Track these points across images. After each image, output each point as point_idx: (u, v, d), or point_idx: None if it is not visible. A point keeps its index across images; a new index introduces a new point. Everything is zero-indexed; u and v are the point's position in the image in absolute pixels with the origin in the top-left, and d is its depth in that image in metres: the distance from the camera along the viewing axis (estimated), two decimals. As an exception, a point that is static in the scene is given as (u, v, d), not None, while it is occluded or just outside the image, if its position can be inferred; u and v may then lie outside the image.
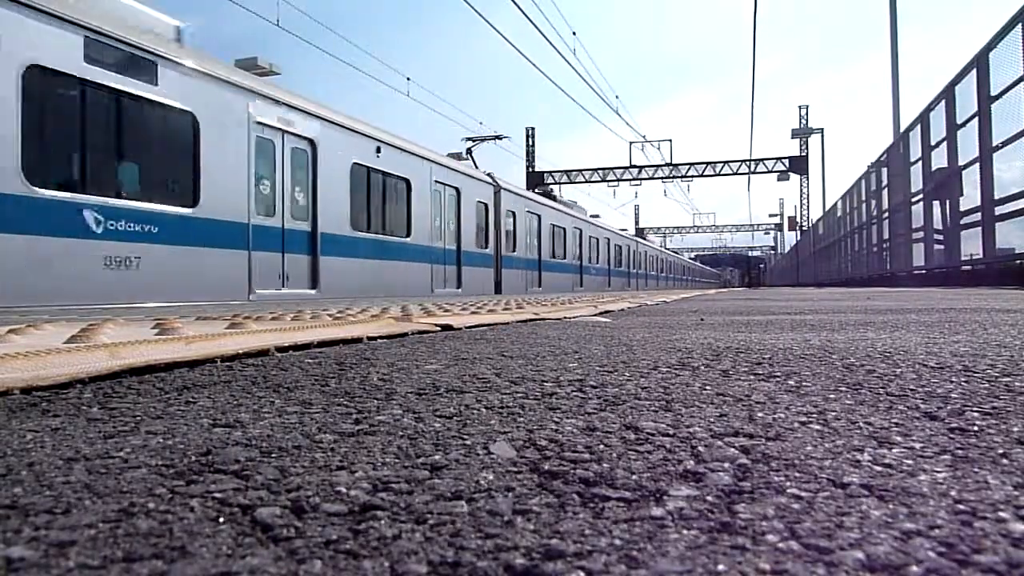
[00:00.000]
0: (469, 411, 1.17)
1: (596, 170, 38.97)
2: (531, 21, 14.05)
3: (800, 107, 38.28)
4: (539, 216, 18.85)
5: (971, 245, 12.65)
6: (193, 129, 8.00)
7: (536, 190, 25.02)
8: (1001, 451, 0.87)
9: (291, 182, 9.68)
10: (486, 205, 15.71)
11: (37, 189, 6.31)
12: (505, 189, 16.68)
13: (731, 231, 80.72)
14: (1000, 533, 0.60)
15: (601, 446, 0.92)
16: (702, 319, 3.98)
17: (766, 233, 78.98)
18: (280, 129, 9.43)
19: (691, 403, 1.23)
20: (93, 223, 6.81)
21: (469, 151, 19.33)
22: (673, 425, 1.05)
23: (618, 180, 39.13)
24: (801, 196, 39.78)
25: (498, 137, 21.98)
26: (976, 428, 1.00)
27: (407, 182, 12.38)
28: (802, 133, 37.87)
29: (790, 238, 56.14)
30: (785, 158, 36.99)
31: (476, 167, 17.03)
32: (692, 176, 39.06)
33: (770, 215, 76.80)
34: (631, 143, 37.86)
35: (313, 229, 10.05)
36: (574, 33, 25.87)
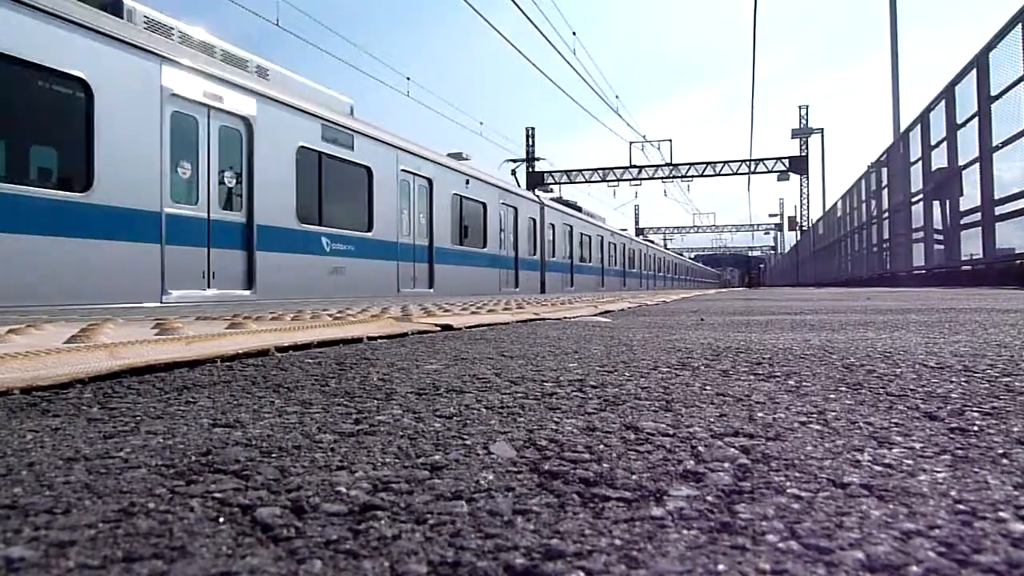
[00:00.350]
0: (469, 411, 1.17)
1: (596, 170, 38.97)
2: (531, 21, 14.06)
3: (800, 107, 38.30)
4: (571, 227, 21.96)
5: (971, 245, 12.65)
6: (368, 177, 11.19)
7: (536, 190, 25.37)
8: (1001, 451, 0.87)
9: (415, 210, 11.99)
10: (534, 220, 18.87)
11: (302, 224, 9.67)
12: (548, 206, 19.95)
13: (731, 231, 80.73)
14: (1000, 533, 0.60)
15: (601, 446, 0.92)
16: (702, 319, 3.98)
17: (766, 233, 78.99)
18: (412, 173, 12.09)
19: (691, 403, 1.23)
20: (325, 245, 10.22)
21: (513, 172, 21.91)
22: (673, 425, 1.05)
23: (618, 180, 39.13)
24: (801, 196, 39.80)
25: (532, 159, 25.58)
26: (976, 428, 1.00)
27: (484, 206, 15.41)
28: (802, 133, 37.87)
29: (790, 238, 56.17)
30: (785, 158, 36.99)
31: (519, 185, 19.82)
32: (692, 176, 39.05)
33: (770, 215, 76.82)
34: (631, 143, 37.87)
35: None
36: (574, 33, 25.88)
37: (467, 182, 14.57)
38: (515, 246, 17.40)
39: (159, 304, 7.21)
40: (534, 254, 18.89)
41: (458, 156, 15.64)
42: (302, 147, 9.81)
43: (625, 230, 36.33)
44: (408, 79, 24.16)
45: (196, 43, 8.69)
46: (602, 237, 25.81)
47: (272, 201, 9.21)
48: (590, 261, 24.04)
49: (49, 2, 6.40)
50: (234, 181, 8.78)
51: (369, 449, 0.91)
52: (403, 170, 12.32)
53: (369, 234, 11.31)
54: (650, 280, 35.12)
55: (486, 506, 0.69)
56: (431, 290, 12.92)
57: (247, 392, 1.39)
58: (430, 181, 13.01)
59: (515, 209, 17.45)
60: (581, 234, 23.14)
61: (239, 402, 1.28)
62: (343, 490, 0.74)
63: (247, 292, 8.88)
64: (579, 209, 24.02)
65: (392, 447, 0.92)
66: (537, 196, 19.75)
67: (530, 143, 40.46)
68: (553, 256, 20.22)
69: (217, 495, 0.72)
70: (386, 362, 1.89)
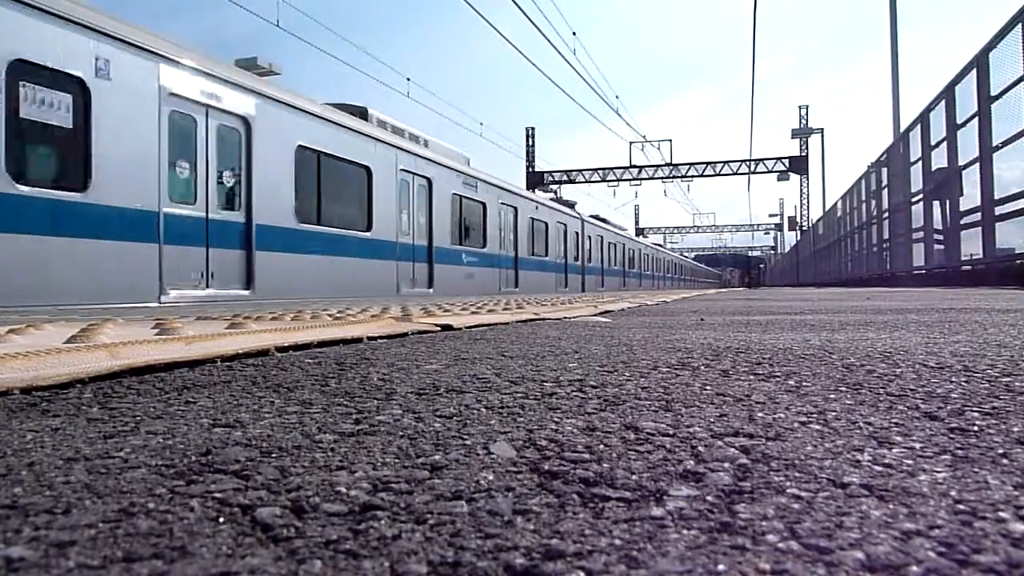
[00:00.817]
0: (469, 411, 1.17)
1: (596, 170, 38.97)
2: (531, 21, 14.06)
3: (800, 107, 38.27)
4: (602, 236, 26.10)
5: (971, 245, 12.64)
6: (484, 209, 15.42)
7: (537, 190, 26.27)
8: (1001, 451, 0.87)
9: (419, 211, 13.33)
10: (578, 233, 22.98)
11: (456, 246, 13.96)
12: (586, 220, 24.13)
13: (731, 231, 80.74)
14: (1000, 533, 0.60)
15: (601, 446, 0.92)
16: (702, 319, 3.98)
17: (766, 233, 78.98)
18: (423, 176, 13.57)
19: (691, 403, 1.23)
20: (463, 258, 14.28)
21: (556, 195, 25.99)
22: (673, 425, 1.05)
23: (618, 180, 39.13)
24: (801, 196, 39.78)
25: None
26: (976, 428, 1.00)
27: (546, 224, 19.31)
28: (802, 133, 37.85)
29: (790, 238, 56.14)
30: (785, 158, 36.99)
31: (561, 202, 23.88)
32: (692, 176, 39.06)
33: (770, 215, 76.79)
34: (631, 143, 37.88)
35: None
36: (574, 33, 25.87)
37: (536, 208, 19.01)
38: (564, 255, 21.61)
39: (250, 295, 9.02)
40: (577, 261, 23.00)
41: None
42: (500, 203, 15.69)
43: (625, 230, 36.48)
44: (408, 79, 24.17)
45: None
46: (624, 244, 30.55)
47: (439, 227, 12.95)
48: (615, 265, 28.46)
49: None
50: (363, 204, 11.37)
51: (369, 449, 0.91)
52: (502, 203, 16.52)
53: (485, 249, 15.49)
54: (651, 280, 36.85)
55: (486, 506, 0.69)
56: (516, 289, 16.86)
57: (247, 392, 1.39)
58: (515, 209, 17.17)
59: (565, 226, 21.65)
60: (610, 243, 27.44)
61: (239, 402, 1.28)
62: (343, 490, 0.74)
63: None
64: (605, 220, 28.39)
65: (392, 447, 0.92)
66: (578, 212, 23.80)
67: (530, 143, 40.46)
68: (589, 262, 24.44)
69: (217, 495, 0.72)
70: (386, 362, 1.89)
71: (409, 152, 12.62)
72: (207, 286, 8.19)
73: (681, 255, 61.88)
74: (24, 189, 6.23)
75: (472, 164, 16.42)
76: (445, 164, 14.06)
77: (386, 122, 12.63)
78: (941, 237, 14.71)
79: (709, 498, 0.71)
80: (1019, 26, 9.99)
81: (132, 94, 7.30)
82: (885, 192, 20.18)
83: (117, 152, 7.17)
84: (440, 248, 13.65)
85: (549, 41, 16.10)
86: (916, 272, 16.57)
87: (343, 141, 11.60)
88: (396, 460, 0.86)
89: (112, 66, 7.07)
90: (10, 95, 6.11)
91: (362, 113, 11.92)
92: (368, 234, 11.35)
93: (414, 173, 12.75)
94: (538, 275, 18.90)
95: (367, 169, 11.30)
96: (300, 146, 9.85)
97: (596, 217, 26.98)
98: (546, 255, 19.72)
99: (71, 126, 6.73)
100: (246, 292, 8.77)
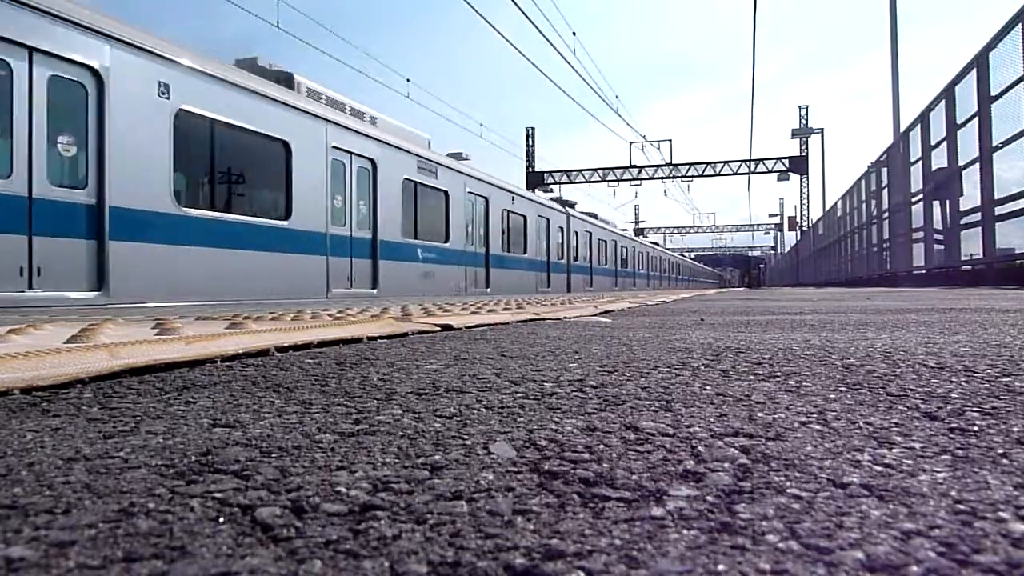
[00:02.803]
0: (469, 411, 1.17)
1: (596, 170, 38.97)
2: (531, 21, 14.07)
3: (800, 107, 38.26)
4: (590, 232, 24.62)
5: (971, 245, 12.65)
6: (446, 198, 14.04)
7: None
8: (1001, 451, 0.87)
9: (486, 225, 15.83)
10: (562, 228, 21.55)
11: (410, 239, 12.69)
12: (572, 216, 22.78)
13: (731, 231, 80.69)
14: (1000, 533, 0.60)
15: (601, 446, 0.92)
16: (702, 319, 3.98)
17: (766, 233, 78.94)
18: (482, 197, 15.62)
19: (691, 403, 1.23)
20: (419, 254, 13.07)
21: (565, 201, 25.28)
22: (673, 425, 1.05)
23: (618, 180, 39.13)
24: (801, 196, 39.77)
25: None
26: (976, 428, 1.00)
27: (524, 218, 18.13)
28: (802, 133, 37.84)
29: (790, 238, 56.13)
30: (785, 158, 36.98)
31: (561, 202, 23.55)
32: (692, 176, 39.04)
33: (770, 215, 76.73)
34: (631, 143, 37.87)
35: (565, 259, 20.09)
36: (574, 33, 25.90)
37: (513, 199, 17.86)
38: (548, 252, 20.93)
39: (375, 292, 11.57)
40: (562, 259, 22.31)
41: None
42: (505, 210, 16.25)
43: (625, 230, 36.70)
44: (408, 80, 24.17)
45: (328, 100, 11.19)
46: (616, 242, 29.77)
47: (386, 217, 12.15)
48: (607, 264, 27.94)
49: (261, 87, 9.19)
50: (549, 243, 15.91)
51: (369, 449, 0.91)
52: (470, 192, 15.28)
53: (448, 244, 14.55)
54: (647, 280, 37.02)
55: (486, 506, 0.69)
56: (487, 289, 16.65)
57: (247, 392, 1.39)
58: (487, 200, 16.08)
59: (548, 220, 21.11)
60: (600, 240, 26.66)
61: (239, 402, 1.28)
62: (343, 490, 0.74)
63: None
64: (595, 215, 28.38)
65: (392, 447, 0.92)
66: (563, 205, 23.46)
67: (530, 143, 40.46)
68: (576, 260, 23.84)
69: (217, 495, 0.72)
70: (386, 362, 1.89)
71: (344, 127, 10.86)
72: (351, 286, 10.91)
73: (681, 255, 61.94)
74: (262, 220, 9.21)
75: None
76: (394, 144, 12.25)
77: (320, 93, 10.97)
78: (941, 237, 14.71)
79: (709, 498, 0.71)
80: (1019, 26, 9.99)
81: (315, 149, 10.18)
82: (885, 192, 20.18)
83: (305, 192, 9.89)
84: (388, 242, 11.92)
85: (549, 41, 16.10)
86: (916, 272, 16.57)
87: (520, 205, 16.55)
88: (396, 460, 0.86)
89: (304, 132, 9.95)
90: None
91: (287, 80, 10.37)
92: (284, 223, 9.59)
93: (352, 153, 11.06)
94: (515, 274, 17.09)
95: (285, 144, 9.62)
96: (504, 210, 16.75)
97: (587, 213, 26.15)
98: (524, 252, 17.76)
99: (284, 177, 9.54)
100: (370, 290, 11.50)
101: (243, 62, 10.43)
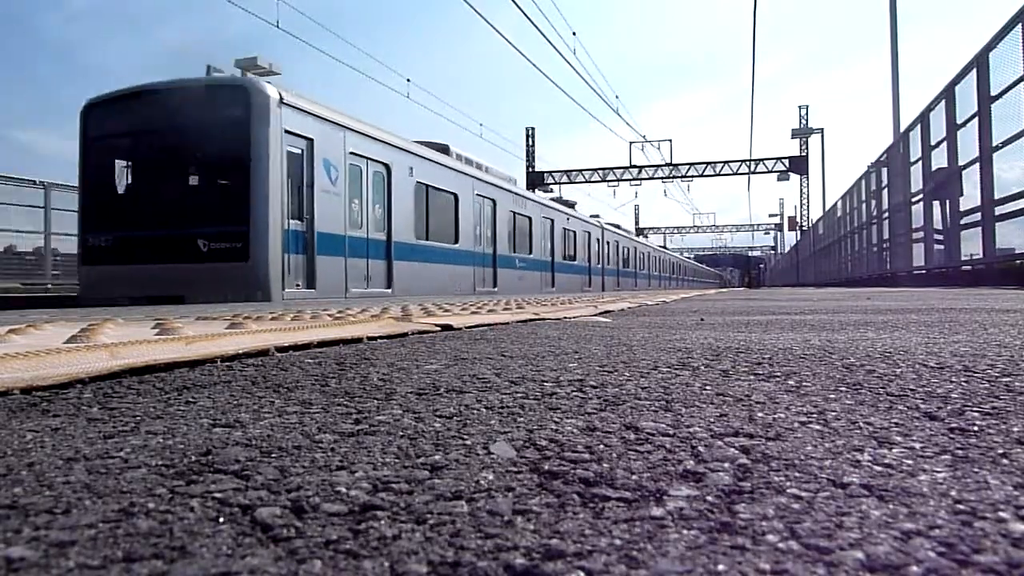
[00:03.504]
0: (469, 411, 1.17)
1: (596, 170, 38.98)
2: (531, 21, 14.08)
3: (800, 107, 38.22)
4: (617, 242, 29.56)
5: (971, 245, 12.64)
6: (530, 222, 18.74)
7: (537, 190, 27.54)
8: (1001, 451, 0.87)
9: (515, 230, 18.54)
10: (598, 239, 25.94)
11: (513, 253, 17.24)
12: (604, 227, 27.25)
13: (731, 231, 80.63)
14: (1000, 533, 0.60)
15: (601, 446, 0.92)
16: (702, 319, 3.98)
17: (766, 233, 78.86)
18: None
19: (691, 403, 1.23)
20: (518, 264, 17.79)
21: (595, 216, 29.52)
22: (673, 425, 1.05)
23: (618, 180, 39.14)
24: (801, 196, 39.76)
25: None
26: (976, 428, 1.00)
27: (530, 219, 19.34)
28: (802, 133, 37.83)
29: (790, 238, 56.10)
30: (785, 158, 36.98)
31: (562, 202, 26.18)
32: (692, 176, 39.06)
33: (770, 215, 76.67)
34: (631, 143, 37.87)
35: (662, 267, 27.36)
36: (574, 33, 25.89)
37: (516, 200, 19.39)
38: (588, 258, 24.52)
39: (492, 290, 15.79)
40: (599, 264, 26.12)
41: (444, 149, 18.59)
42: (564, 228, 20.18)
43: (618, 226, 37.06)
44: (408, 80, 24.20)
45: (467, 160, 15.77)
46: (636, 247, 34.16)
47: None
48: (629, 267, 32.28)
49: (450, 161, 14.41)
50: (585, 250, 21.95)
51: (369, 449, 0.91)
52: (478, 194, 17.00)
53: (573, 261, 20.50)
54: (653, 280, 38.61)
55: (486, 506, 0.69)
56: (495, 289, 19.87)
57: (247, 392, 1.39)
58: (494, 202, 17.44)
59: (588, 234, 25.06)
60: (625, 248, 31.35)
61: (239, 402, 1.28)
62: (343, 490, 0.74)
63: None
64: (596, 216, 32.46)
65: (392, 447, 0.92)
66: (598, 220, 27.28)
67: (530, 143, 40.47)
68: (608, 265, 27.78)
69: (217, 495, 0.72)
70: (386, 362, 1.89)
71: (482, 180, 16.00)
72: (484, 286, 15.77)
73: (681, 255, 62.09)
74: (446, 245, 13.92)
75: (540, 195, 21.36)
76: (506, 188, 17.42)
77: (462, 155, 15.97)
78: (941, 237, 14.71)
79: (709, 498, 0.71)
80: (1019, 26, 9.98)
81: (468, 196, 14.85)
82: (885, 192, 20.17)
83: (464, 225, 14.75)
84: (503, 255, 16.95)
85: (549, 41, 16.13)
86: (916, 272, 16.57)
87: (574, 223, 22.81)
88: (396, 460, 0.86)
89: (462, 185, 14.75)
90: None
91: (444, 149, 14.86)
92: (455, 245, 14.97)
93: (484, 197, 15.89)
94: (520, 273, 18.35)
95: (455, 195, 14.86)
96: (563, 228, 21.68)
97: (613, 224, 30.23)
98: (530, 252, 18.95)
99: (454, 216, 14.37)
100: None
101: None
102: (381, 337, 2.64)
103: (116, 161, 9.59)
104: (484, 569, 0.54)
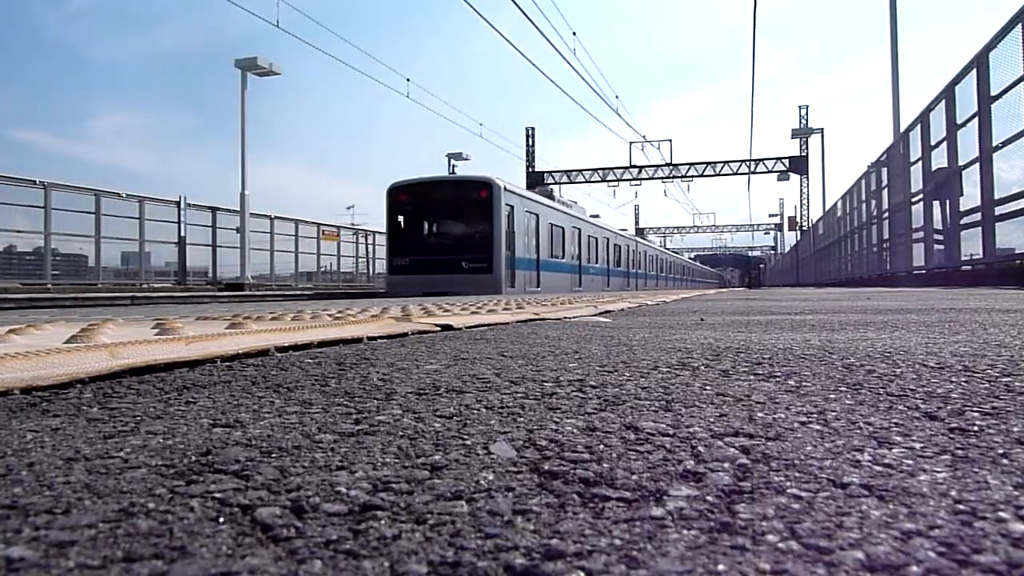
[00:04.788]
0: (469, 411, 1.17)
1: (596, 170, 38.99)
2: (531, 21, 14.13)
3: (800, 107, 38.20)
4: (645, 251, 35.86)
5: (971, 245, 12.64)
6: (596, 240, 25.40)
7: (536, 190, 28.88)
8: (1001, 451, 0.87)
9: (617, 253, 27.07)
10: (633, 249, 32.01)
11: (581, 263, 23.26)
12: (637, 240, 34.28)
13: (731, 231, 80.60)
14: (1000, 533, 0.60)
15: (601, 446, 0.92)
16: (702, 319, 3.98)
17: (766, 233, 78.79)
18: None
19: (691, 403, 1.23)
20: (591, 271, 24.47)
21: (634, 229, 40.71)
22: (673, 425, 1.05)
23: (618, 180, 39.16)
24: (801, 196, 39.74)
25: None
26: (976, 428, 1.00)
27: (597, 239, 25.49)
28: (802, 133, 37.82)
29: (790, 238, 56.06)
30: (785, 158, 36.99)
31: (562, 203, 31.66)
32: (692, 176, 39.09)
33: (770, 215, 76.52)
34: (631, 143, 37.88)
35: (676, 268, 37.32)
36: (574, 33, 25.92)
37: (590, 226, 25.84)
38: (629, 265, 30.60)
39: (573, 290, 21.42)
40: (632, 269, 31.98)
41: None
42: (552, 224, 21.27)
43: (625, 230, 37.66)
44: (408, 80, 24.24)
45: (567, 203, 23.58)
46: (657, 254, 41.28)
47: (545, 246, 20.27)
48: (652, 270, 37.81)
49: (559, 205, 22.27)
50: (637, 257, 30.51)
51: (369, 449, 0.91)
52: (573, 226, 22.84)
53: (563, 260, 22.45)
54: (651, 280, 40.37)
55: (486, 506, 0.69)
56: (580, 288, 24.82)
57: (247, 392, 1.39)
58: (578, 230, 23.61)
59: (629, 247, 30.99)
60: (651, 256, 37.59)
61: (239, 402, 1.28)
62: (343, 490, 0.74)
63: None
64: (642, 232, 40.28)
65: (392, 447, 0.92)
66: (633, 235, 34.29)
67: (530, 143, 40.47)
68: (640, 270, 33.63)
69: (217, 495, 0.72)
70: (386, 362, 1.89)
71: (579, 218, 23.38)
72: (580, 285, 21.90)
73: (681, 255, 62.35)
74: (570, 261, 21.90)
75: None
76: (591, 222, 25.32)
77: (560, 199, 24.28)
78: (941, 237, 14.70)
79: (709, 498, 0.71)
80: (1019, 26, 9.98)
81: (569, 228, 21.22)
82: (885, 192, 20.18)
83: (567, 248, 21.21)
84: (586, 265, 23.43)
85: (549, 41, 16.19)
86: (916, 272, 16.57)
87: (620, 241, 29.80)
88: (396, 460, 0.86)
89: (567, 223, 21.20)
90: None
91: (549, 194, 23.76)
92: (620, 268, 26.75)
93: (577, 229, 22.75)
94: (592, 277, 25.54)
95: (561, 228, 21.82)
96: (644, 250, 34.01)
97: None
98: (596, 262, 25.94)
99: (561, 241, 20.69)
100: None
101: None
102: (381, 337, 2.64)
103: (409, 217, 17.07)
104: (484, 569, 0.54)
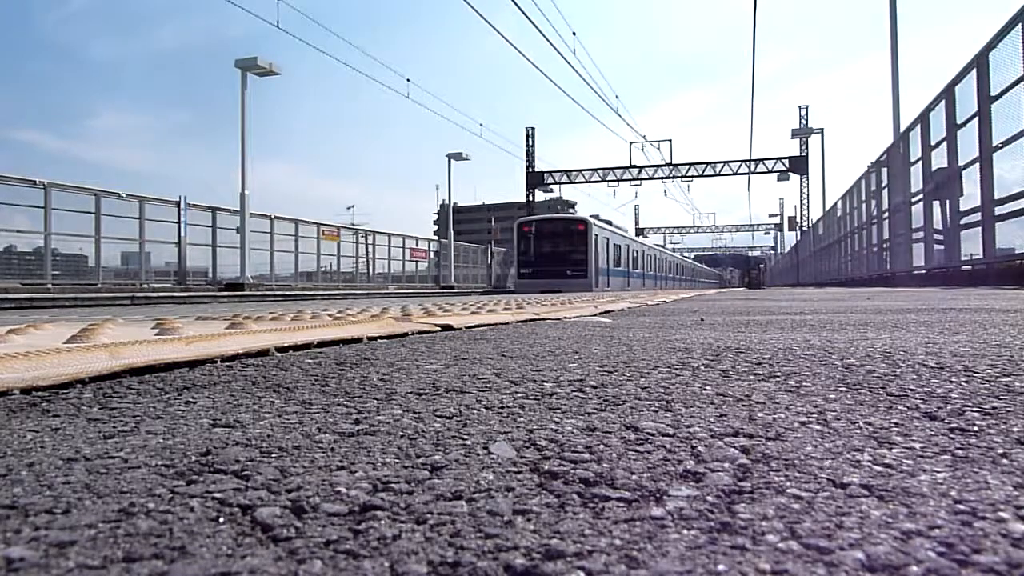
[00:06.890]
0: (469, 411, 1.17)
1: (596, 170, 39.01)
2: (531, 21, 14.16)
3: (800, 107, 38.24)
4: (656, 254, 41.21)
5: (971, 245, 12.63)
6: (641, 251, 38.04)
7: (537, 190, 31.19)
8: (1001, 451, 0.87)
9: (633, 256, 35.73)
10: (656, 256, 37.24)
11: (628, 269, 34.27)
12: (659, 248, 42.23)
13: (731, 231, 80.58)
14: (1000, 533, 0.60)
15: (601, 446, 0.92)
16: (702, 319, 3.98)
17: (766, 233, 78.77)
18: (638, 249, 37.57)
19: (691, 403, 1.23)
20: (643, 275, 37.82)
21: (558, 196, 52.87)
22: (673, 425, 1.05)
23: (618, 180, 39.19)
24: (801, 196, 39.77)
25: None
26: (976, 428, 1.00)
27: (642, 251, 36.39)
28: (802, 133, 37.83)
29: (790, 238, 56.08)
30: (785, 158, 36.99)
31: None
32: (692, 176, 39.12)
33: (770, 215, 76.52)
34: (631, 143, 37.92)
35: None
36: (574, 33, 25.97)
37: (638, 244, 36.87)
38: (676, 271, 36.97)
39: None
40: (674, 274, 40.68)
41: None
42: (616, 244, 31.51)
43: (625, 230, 39.08)
44: (408, 80, 24.27)
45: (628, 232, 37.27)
46: (659, 256, 47.48)
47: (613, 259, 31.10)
48: (680, 275, 43.74)
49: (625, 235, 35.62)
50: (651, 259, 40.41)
51: (369, 449, 0.91)
52: (627, 244, 33.13)
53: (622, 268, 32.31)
54: (657, 280, 44.50)
55: (486, 506, 0.69)
56: (629, 287, 33.35)
57: (247, 392, 1.39)
58: (628, 246, 33.31)
59: (656, 254, 39.84)
60: (658, 257, 44.13)
61: (239, 402, 1.28)
62: (343, 490, 0.74)
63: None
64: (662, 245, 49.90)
65: (392, 447, 0.92)
66: (671, 249, 45.57)
67: (530, 143, 40.47)
68: (680, 275, 37.88)
69: (217, 495, 0.72)
70: (386, 362, 1.89)
71: (630, 238, 34.41)
72: (628, 285, 33.00)
73: (681, 255, 62.83)
74: (634, 269, 35.07)
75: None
76: (638, 241, 35.16)
77: (609, 223, 35.04)
78: (941, 237, 14.70)
79: (709, 498, 0.71)
80: (1019, 26, 9.98)
81: (622, 246, 32.70)
82: (885, 192, 20.17)
83: (634, 258, 34.54)
84: (626, 271, 31.34)
85: (549, 41, 16.23)
86: (916, 272, 16.57)
87: (672, 259, 45.57)
88: (396, 460, 0.86)
89: (628, 242, 34.03)
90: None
91: (607, 221, 34.60)
92: (637, 269, 35.18)
93: (631, 247, 31.51)
94: (641, 280, 35.01)
95: (617, 245, 31.72)
96: (678, 263, 48.53)
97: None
98: (638, 269, 34.61)
99: (628, 255, 33.64)
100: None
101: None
102: (381, 337, 2.64)
103: (531, 240, 27.39)
104: (484, 569, 0.54)
